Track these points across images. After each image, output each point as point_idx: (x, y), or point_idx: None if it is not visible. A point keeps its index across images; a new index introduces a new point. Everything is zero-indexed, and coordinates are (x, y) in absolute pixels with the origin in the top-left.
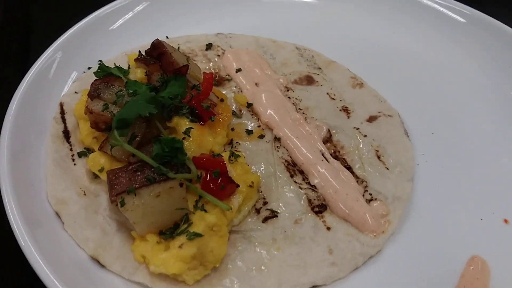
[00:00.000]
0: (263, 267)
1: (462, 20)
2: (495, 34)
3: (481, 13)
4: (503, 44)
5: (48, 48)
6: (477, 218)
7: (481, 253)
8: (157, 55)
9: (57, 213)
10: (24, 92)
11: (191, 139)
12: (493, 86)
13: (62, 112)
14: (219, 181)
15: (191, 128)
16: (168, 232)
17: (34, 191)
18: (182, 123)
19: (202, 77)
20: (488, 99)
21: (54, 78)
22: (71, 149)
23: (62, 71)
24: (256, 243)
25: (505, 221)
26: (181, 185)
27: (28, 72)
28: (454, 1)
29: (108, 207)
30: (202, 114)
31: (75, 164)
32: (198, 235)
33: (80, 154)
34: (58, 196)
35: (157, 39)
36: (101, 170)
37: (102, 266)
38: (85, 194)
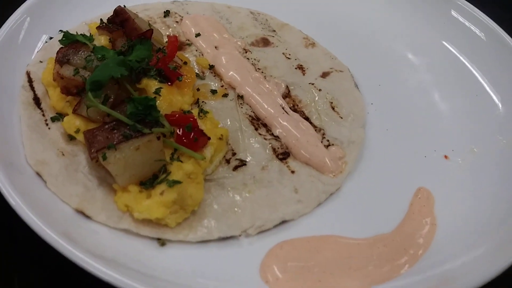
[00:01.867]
0: (236, 209)
1: None
2: None
3: None
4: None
5: (10, 18)
6: (421, 156)
7: (426, 185)
8: (120, 21)
9: (38, 173)
10: None
11: (161, 98)
12: (428, 39)
13: (30, 81)
14: (192, 134)
15: (161, 88)
16: (148, 182)
17: (12, 155)
18: (151, 84)
19: (166, 40)
20: (424, 51)
21: (18, 48)
22: (43, 115)
23: (24, 41)
24: (229, 189)
25: (445, 157)
26: (158, 138)
27: None
28: None
29: (87, 165)
30: (170, 75)
31: (49, 128)
32: (177, 182)
33: (53, 119)
34: (38, 157)
35: (119, 6)
36: (77, 131)
37: (87, 218)
38: (63, 155)
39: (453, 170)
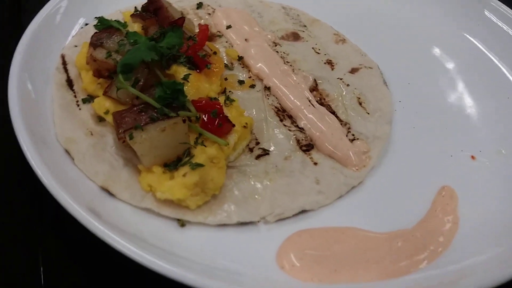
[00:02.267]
0: (257, 196)
1: None
2: None
3: None
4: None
5: (49, 3)
6: (447, 155)
7: (451, 184)
8: (153, 9)
9: (66, 151)
10: (27, 43)
11: (189, 84)
12: (460, 39)
13: (64, 63)
14: (217, 120)
15: (189, 74)
16: (172, 164)
17: (43, 132)
18: (180, 71)
19: (197, 30)
20: (456, 51)
21: (55, 31)
22: (75, 96)
23: (61, 25)
24: (250, 176)
25: (472, 157)
26: (183, 121)
27: (29, 26)
28: None
29: (114, 145)
30: (199, 62)
31: (80, 109)
32: (200, 165)
33: (84, 100)
34: (67, 135)
35: None
36: (107, 112)
37: (111, 195)
38: (92, 134)
39: (479, 171)
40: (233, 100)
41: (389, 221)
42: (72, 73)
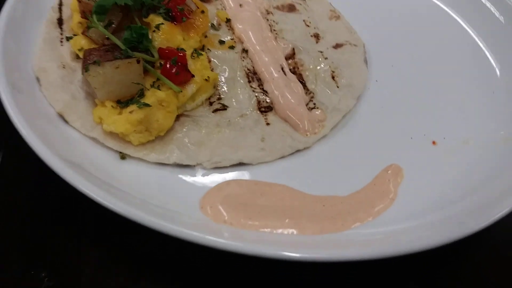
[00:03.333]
0: (202, 144)
1: None
2: None
3: None
4: None
5: None
6: (408, 137)
7: (402, 164)
8: None
9: (37, 78)
10: None
11: (160, 32)
12: (458, 30)
13: (60, 4)
14: (175, 68)
15: (162, 24)
16: (125, 102)
17: (21, 60)
18: (156, 20)
19: None
20: (452, 41)
21: None
22: (61, 34)
23: None
24: (202, 126)
25: (433, 142)
26: (138, 61)
27: None
28: None
29: (82, 80)
30: (176, 15)
31: (62, 46)
32: (146, 105)
33: (68, 38)
34: (41, 65)
35: None
36: (81, 49)
37: (66, 122)
38: (64, 68)
39: (435, 157)
40: (200, 54)
41: (324, 188)
42: (66, 14)
